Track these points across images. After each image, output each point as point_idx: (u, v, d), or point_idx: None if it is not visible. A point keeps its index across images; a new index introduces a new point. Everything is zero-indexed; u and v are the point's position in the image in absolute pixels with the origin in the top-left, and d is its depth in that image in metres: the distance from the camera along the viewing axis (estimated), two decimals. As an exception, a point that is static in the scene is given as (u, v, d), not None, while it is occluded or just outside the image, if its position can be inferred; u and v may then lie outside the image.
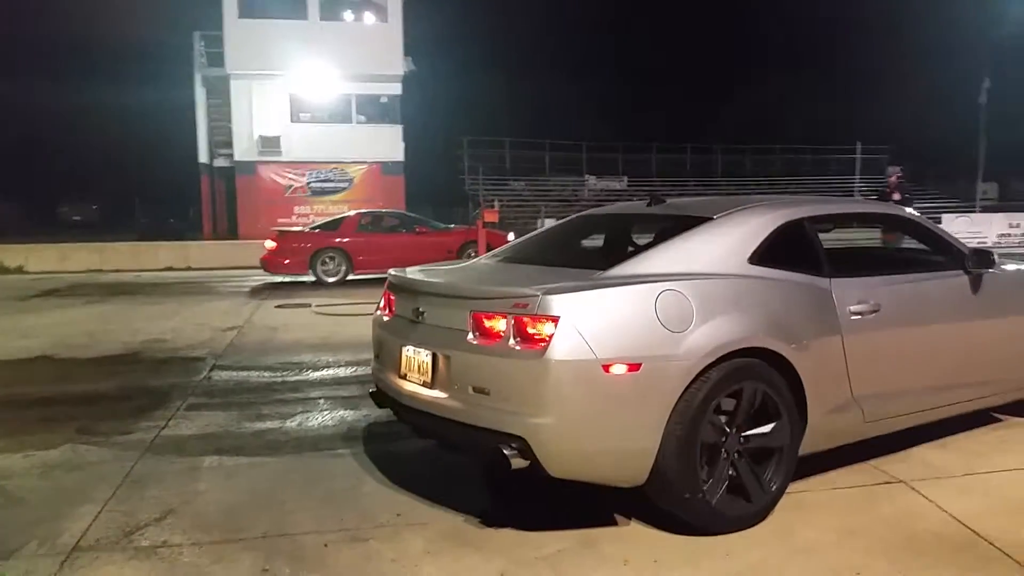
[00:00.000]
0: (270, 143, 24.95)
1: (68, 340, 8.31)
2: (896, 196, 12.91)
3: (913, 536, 3.21)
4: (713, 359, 3.22)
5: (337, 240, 14.25)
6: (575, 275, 3.48)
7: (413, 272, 4.08)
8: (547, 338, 3.08)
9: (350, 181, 26.07)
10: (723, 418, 3.31)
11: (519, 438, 3.12)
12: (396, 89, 26.16)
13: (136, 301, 12.02)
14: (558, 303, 3.11)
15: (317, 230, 14.86)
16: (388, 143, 26.02)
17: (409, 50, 26.33)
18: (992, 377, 4.41)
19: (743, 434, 3.36)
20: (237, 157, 25.35)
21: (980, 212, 26.26)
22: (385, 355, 3.99)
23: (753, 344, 3.34)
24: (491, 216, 11.46)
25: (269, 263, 14.15)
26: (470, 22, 42.87)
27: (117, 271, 18.04)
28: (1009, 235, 22.84)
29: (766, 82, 47.19)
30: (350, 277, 14.33)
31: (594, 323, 3.12)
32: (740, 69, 50.56)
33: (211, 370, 6.70)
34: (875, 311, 3.81)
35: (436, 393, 3.49)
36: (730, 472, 3.33)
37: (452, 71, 33.94)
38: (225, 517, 3.54)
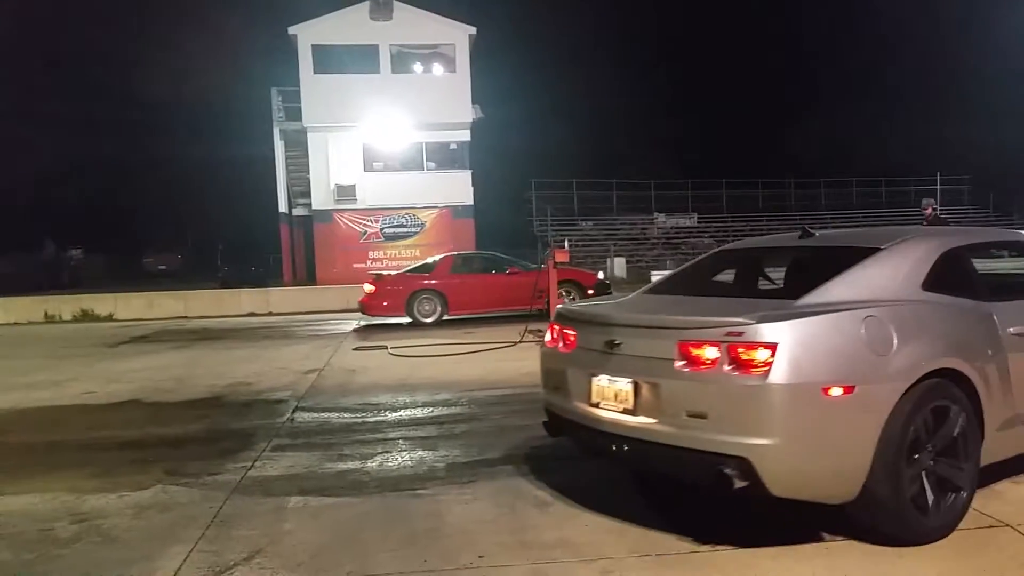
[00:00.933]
0: (345, 191, 25.70)
1: (156, 384, 8.63)
2: None
3: None
4: (914, 379, 3.42)
5: (432, 282, 14.52)
6: (767, 304, 3.65)
7: (598, 307, 4.39)
8: (766, 363, 3.25)
9: (421, 225, 26.57)
10: (920, 435, 3.47)
11: (741, 459, 3.26)
12: (465, 136, 26.69)
13: (220, 346, 12.41)
14: (774, 331, 3.28)
15: (412, 273, 15.15)
16: (458, 188, 26.49)
17: (476, 98, 26.90)
18: None
19: (924, 451, 3.49)
20: (315, 206, 26.18)
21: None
22: (568, 385, 4.12)
23: (943, 365, 3.55)
24: (562, 256, 11.44)
25: (368, 306, 14.39)
26: (535, 67, 43.63)
27: (201, 317, 18.70)
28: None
29: (838, 114, 46.31)
30: (445, 317, 14.58)
31: (809, 349, 3.30)
32: (811, 101, 49.81)
33: (294, 412, 6.85)
34: None
35: (642, 419, 3.63)
36: (922, 489, 3.47)
37: (519, 116, 34.51)
38: (311, 557, 3.58)
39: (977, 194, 37.67)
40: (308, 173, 26.25)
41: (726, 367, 3.34)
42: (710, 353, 3.40)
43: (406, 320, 14.57)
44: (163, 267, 46.26)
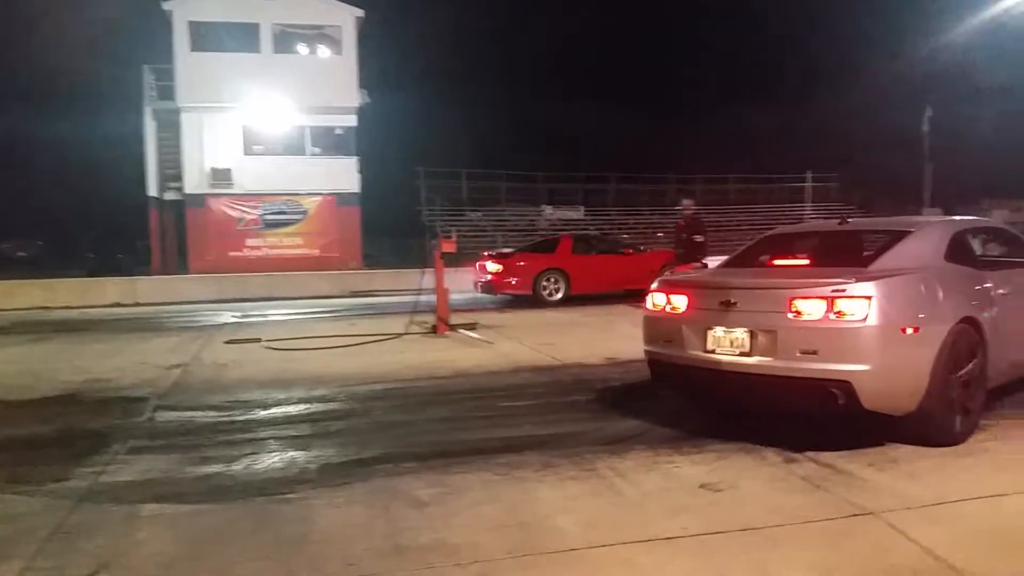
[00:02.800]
0: (222, 175, 24.56)
1: (9, 380, 7.91)
2: (698, 237, 12.11)
3: (889, 572, 3.10)
4: (955, 323, 4.74)
5: (556, 262, 15.23)
6: (850, 271, 4.80)
7: (715, 274, 5.93)
8: (863, 312, 4.45)
9: (304, 213, 25.74)
10: (956, 363, 4.75)
11: (845, 382, 4.45)
12: (351, 121, 26.03)
13: (81, 339, 11.56)
14: (870, 288, 4.51)
15: (532, 252, 15.83)
16: (343, 174, 25.82)
17: (365, 83, 26.27)
18: None
19: (960, 372, 4.79)
20: (188, 190, 24.90)
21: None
22: (683, 338, 5.18)
23: (968, 313, 4.90)
24: (449, 247, 11.26)
25: (496, 284, 15.04)
26: (425, 53, 43.05)
27: (65, 308, 17.42)
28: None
29: (717, 114, 48.09)
30: (569, 295, 15.08)
31: (892, 300, 4.54)
32: (692, 101, 51.51)
33: (154, 410, 6.40)
34: (1010, 293, 5.39)
35: (758, 359, 4.77)
36: (957, 402, 4.76)
37: (408, 102, 33.95)
38: (163, 570, 3.29)
39: (844, 191, 39.89)
40: (181, 155, 24.92)
41: (831, 315, 4.52)
42: (819, 306, 4.56)
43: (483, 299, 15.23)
44: (22, 254, 42.98)
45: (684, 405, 5.96)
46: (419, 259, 17.70)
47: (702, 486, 4.16)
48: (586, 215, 34.68)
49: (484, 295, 16.00)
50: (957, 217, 6.22)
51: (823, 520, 3.64)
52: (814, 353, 4.55)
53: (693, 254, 11.86)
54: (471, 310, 13.60)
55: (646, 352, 5.69)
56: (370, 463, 4.77)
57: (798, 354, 4.60)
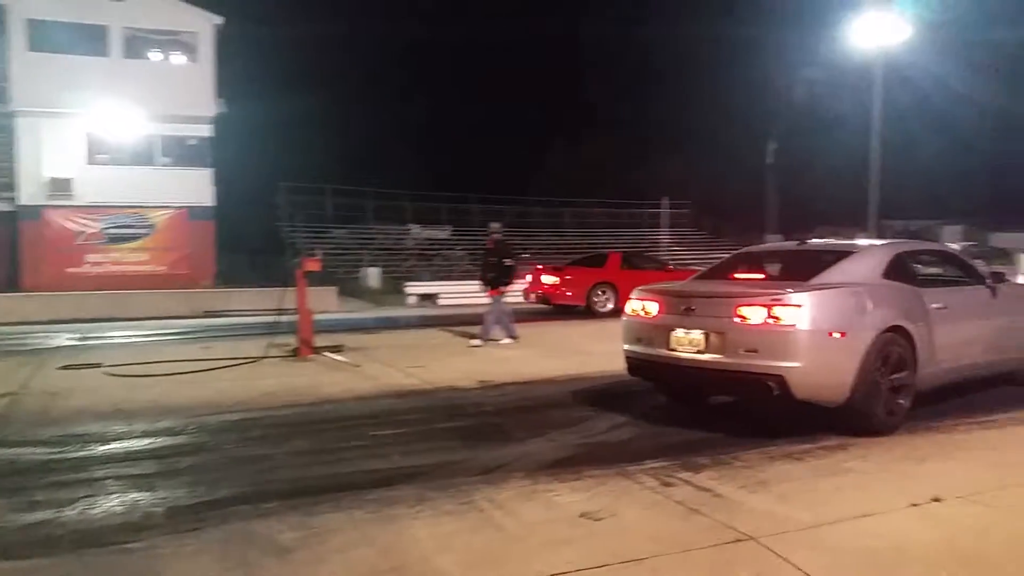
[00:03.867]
0: (61, 186, 22.72)
1: None
2: (507, 261, 11.52)
3: (773, 602, 3.07)
4: (880, 331, 5.60)
5: (606, 276, 16.36)
6: (789, 284, 5.77)
7: (677, 286, 6.78)
8: (794, 318, 5.35)
9: (151, 227, 24.20)
10: (884, 365, 5.60)
11: (778, 376, 5.36)
12: (206, 131, 24.81)
13: None
14: (801, 298, 5.42)
15: (583, 266, 16.88)
16: (196, 187, 24.50)
17: (223, 92, 25.09)
18: (1004, 352, 6.91)
19: (887, 373, 5.64)
20: (22, 201, 22.89)
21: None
22: (652, 338, 6.17)
23: (896, 323, 5.74)
24: (313, 265, 10.76)
25: (552, 295, 16.25)
26: (289, 65, 41.71)
27: None
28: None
29: (581, 142, 49.38)
30: (611, 307, 15.80)
31: (821, 309, 5.44)
32: (556, 129, 52.66)
33: (-29, 449, 5.63)
34: (945, 307, 6.21)
35: (711, 356, 5.70)
36: (883, 397, 5.61)
37: (271, 113, 32.65)
38: (-30, 647, 2.79)
39: (697, 218, 41.91)
40: (15, 163, 22.85)
41: (769, 320, 5.43)
42: (760, 312, 5.49)
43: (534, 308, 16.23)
44: None
45: (559, 429, 5.86)
46: (280, 278, 16.95)
47: (583, 515, 4.03)
48: (452, 235, 34.60)
49: (539, 304, 17.26)
50: (903, 240, 7.52)
51: (704, 548, 3.59)
52: (755, 351, 5.49)
53: (501, 278, 11.50)
54: (335, 331, 13.08)
55: (624, 350, 6.58)
56: (224, 504, 4.34)
57: (742, 352, 5.55)
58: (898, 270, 6.21)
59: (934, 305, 6.12)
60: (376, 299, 22.71)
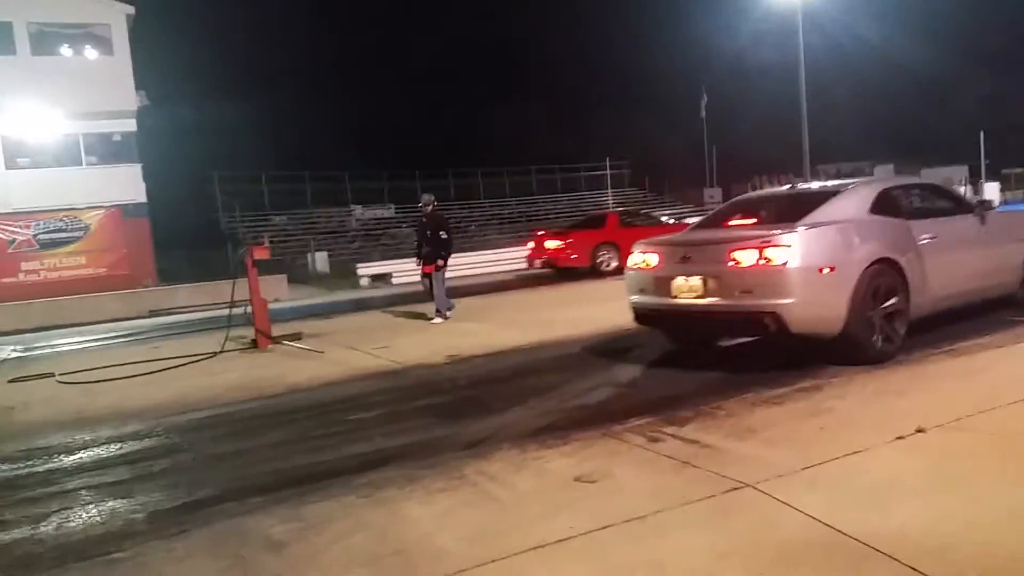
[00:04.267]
0: (-19, 194, 21.69)
1: None
2: (443, 233, 10.97)
3: (782, 546, 3.08)
4: (868, 264, 5.90)
5: (609, 236, 16.70)
6: (781, 226, 6.00)
7: (675, 237, 7.29)
8: (784, 257, 5.63)
9: (85, 229, 23.32)
10: (875, 296, 5.92)
11: (774, 314, 5.67)
12: (130, 125, 23.92)
13: None
14: (790, 238, 5.72)
15: (583, 229, 17.33)
16: (126, 184, 23.66)
17: (143, 84, 24.18)
18: (994, 277, 7.25)
19: (880, 303, 5.95)
20: (-55, 211, 21.79)
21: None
22: (655, 288, 6.50)
23: (884, 255, 6.03)
24: (261, 253, 10.48)
25: (558, 259, 16.70)
26: (214, 52, 40.41)
27: None
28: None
29: (516, 109, 49.12)
30: (615, 266, 16.08)
31: (809, 247, 5.73)
32: (491, 97, 52.25)
33: (-75, 474, 5.34)
34: (935, 238, 6.52)
35: (710, 300, 6.00)
36: (877, 327, 5.92)
37: (197, 104, 31.63)
38: None
39: (636, 177, 42.19)
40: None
41: (761, 261, 5.72)
42: (752, 255, 5.78)
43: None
44: None
45: (537, 396, 5.84)
46: (223, 270, 16.53)
47: (577, 479, 4.01)
48: (397, 212, 34.20)
49: (541, 269, 17.89)
50: (890, 176, 8.09)
51: (703, 499, 3.59)
52: (750, 292, 5.81)
53: (438, 251, 10.95)
54: (290, 320, 12.84)
55: (631, 301, 6.92)
56: (208, 504, 4.20)
57: (739, 293, 5.86)
58: (885, 205, 6.51)
59: (923, 236, 6.43)
60: (327, 284, 22.34)
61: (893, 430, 4.25)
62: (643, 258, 6.72)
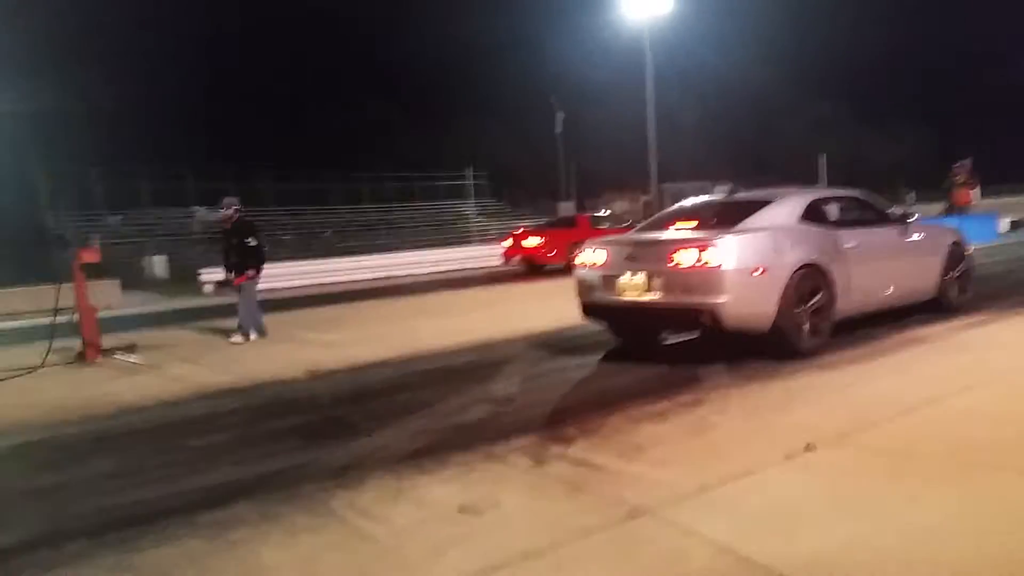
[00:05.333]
0: None
1: None
2: (251, 240, 9.65)
3: (696, 582, 2.82)
4: (797, 267, 6.38)
5: (582, 234, 16.37)
6: (719, 230, 6.46)
7: (621, 237, 7.96)
8: (720, 259, 6.09)
9: None
10: (802, 297, 6.42)
11: (710, 310, 6.12)
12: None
13: None
14: (725, 241, 6.20)
15: (556, 228, 18.25)
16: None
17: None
18: (912, 284, 7.80)
19: (806, 303, 6.46)
20: None
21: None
22: (602, 285, 6.86)
23: (811, 260, 6.53)
24: (90, 256, 9.33)
25: (536, 256, 17.38)
26: (34, 37, 36.80)
27: None
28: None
29: (374, 114, 48.18)
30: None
31: (744, 250, 6.23)
32: (349, 100, 50.93)
33: None
34: (857, 245, 7.05)
35: (653, 296, 6.43)
36: (804, 324, 6.44)
37: (21, 89, 28.58)
38: None
39: (495, 188, 42.25)
40: None
41: (699, 262, 6.15)
42: (692, 255, 6.21)
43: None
44: None
45: (409, 415, 5.38)
46: (48, 274, 14.84)
47: (461, 510, 3.61)
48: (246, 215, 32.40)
49: (515, 267, 18.79)
50: (817, 188, 8.52)
51: (603, 529, 3.29)
52: (689, 290, 6.25)
53: (247, 261, 9.64)
54: (124, 330, 11.60)
55: (579, 297, 7.26)
56: (16, 553, 3.47)
57: (679, 291, 6.31)
58: (813, 214, 7.02)
59: (848, 244, 6.96)
60: (166, 290, 20.70)
61: (781, 448, 4.13)
62: (592, 256, 7.08)
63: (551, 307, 11.19)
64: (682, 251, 6.29)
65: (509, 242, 19.20)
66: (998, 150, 42.04)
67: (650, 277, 6.45)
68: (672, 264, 6.31)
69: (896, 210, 8.27)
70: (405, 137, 46.93)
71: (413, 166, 40.13)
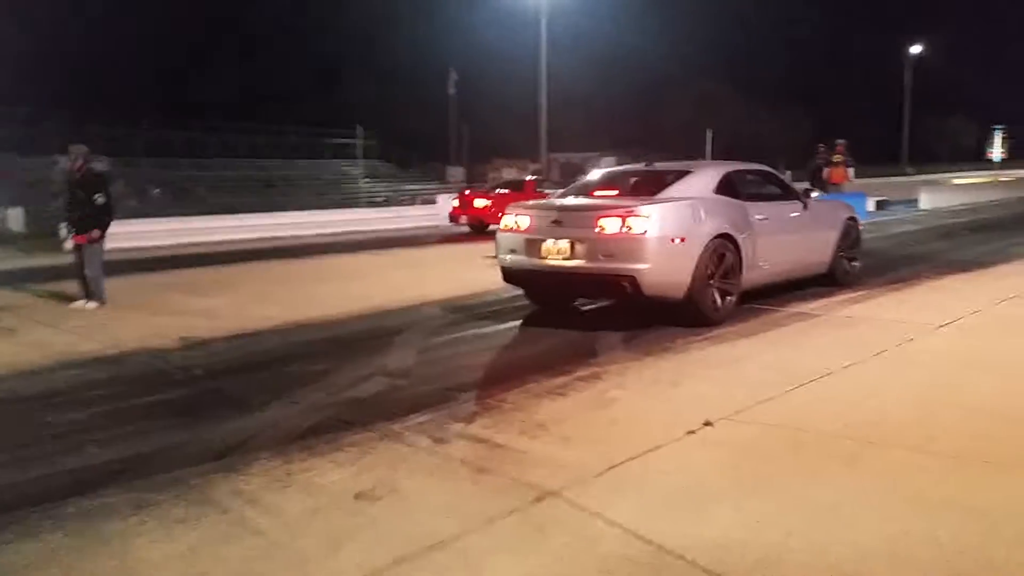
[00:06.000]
0: None
1: None
2: (99, 198, 8.48)
3: (606, 566, 2.71)
4: (712, 237, 6.57)
5: (529, 199, 16.71)
6: (640, 199, 6.71)
7: (546, 202, 8.03)
8: (643, 227, 6.27)
9: None
10: (714, 266, 6.58)
11: (631, 277, 6.27)
12: None
13: None
14: (649, 210, 6.36)
15: (506, 192, 18.31)
16: None
17: None
18: (811, 258, 8.20)
19: (717, 273, 6.61)
20: None
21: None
22: (525, 249, 6.89)
23: (724, 231, 6.72)
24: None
25: (485, 217, 17.68)
26: None
27: None
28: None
29: (258, 67, 45.96)
30: None
31: (664, 219, 6.37)
32: (231, 49, 48.27)
33: None
34: (767, 219, 7.37)
35: (576, 262, 6.51)
36: (715, 293, 6.61)
37: None
38: None
39: (385, 149, 41.18)
40: None
41: (623, 229, 6.30)
42: (616, 223, 6.35)
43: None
44: None
45: (299, 389, 5.07)
46: None
47: (358, 496, 3.39)
48: (113, 167, 30.29)
49: (467, 227, 18.92)
50: (732, 162, 8.41)
51: (510, 514, 3.15)
52: (612, 256, 6.35)
53: (93, 219, 8.59)
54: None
55: (499, 260, 7.29)
56: None
57: (602, 257, 6.40)
58: (727, 186, 7.22)
59: (757, 216, 7.22)
60: (24, 246, 19.05)
61: (682, 423, 4.14)
62: (515, 220, 7.08)
63: (455, 274, 10.98)
64: (607, 218, 6.39)
65: (456, 203, 19.83)
66: (862, 133, 44.76)
67: (574, 243, 6.51)
68: (597, 230, 6.39)
69: (799, 186, 8.60)
70: (294, 94, 45.10)
71: (301, 123, 38.59)
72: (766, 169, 8.53)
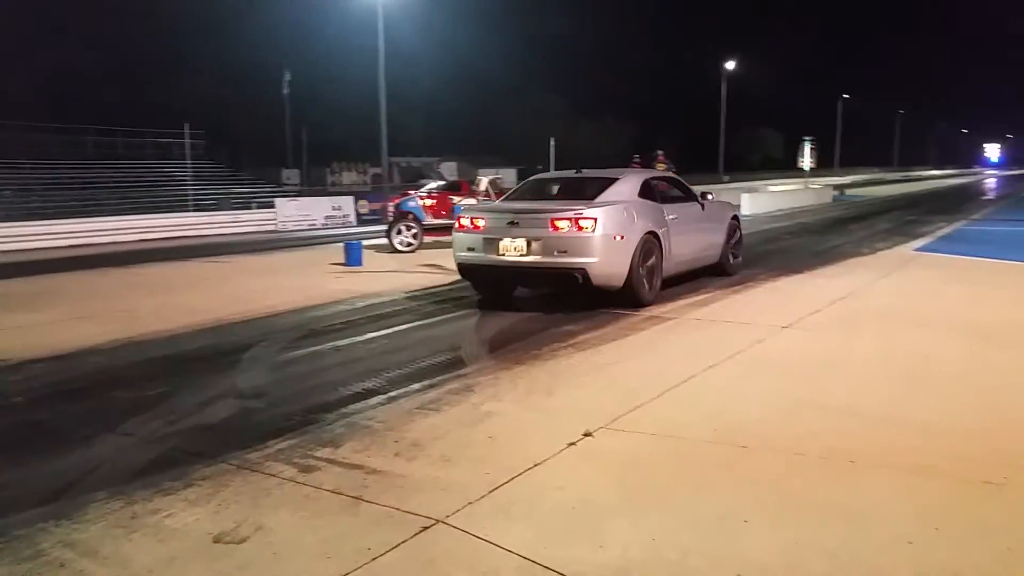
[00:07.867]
0: None
1: None
2: None
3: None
4: (643, 234, 7.82)
5: (467, 197, 16.95)
6: (583, 203, 7.76)
7: (501, 205, 9.02)
8: (592, 227, 7.41)
9: None
10: (644, 259, 7.85)
11: (582, 269, 7.41)
12: None
13: None
14: (597, 212, 7.51)
15: (445, 192, 17.99)
16: None
17: None
18: (709, 251, 9.56)
19: (646, 264, 7.88)
20: None
21: (308, 197, 27.55)
22: (483, 247, 7.90)
23: (651, 229, 7.99)
24: None
25: (433, 211, 17.04)
26: None
27: None
28: (334, 216, 24.45)
29: (65, 60, 42.10)
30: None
31: (609, 220, 7.52)
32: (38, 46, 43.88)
33: None
34: (676, 218, 8.58)
35: (532, 258, 7.60)
36: (645, 281, 7.85)
37: None
38: None
39: (214, 149, 38.90)
40: None
41: (575, 229, 7.41)
42: (568, 223, 7.44)
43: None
44: None
45: (134, 416, 4.50)
46: None
47: (217, 539, 3.00)
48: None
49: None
50: (649, 170, 10.38)
51: (393, 548, 2.88)
52: (565, 252, 7.42)
53: None
54: None
55: (457, 257, 8.18)
56: None
57: (556, 253, 7.46)
58: (647, 191, 8.45)
59: (670, 216, 8.47)
60: None
61: (561, 435, 4.02)
62: (471, 221, 8.00)
63: (302, 282, 10.42)
64: (560, 219, 7.44)
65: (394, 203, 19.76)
66: (685, 142, 47.42)
67: (530, 241, 7.53)
68: (552, 230, 7.43)
69: (697, 189, 9.94)
70: (110, 91, 41.66)
71: (121, 123, 35.67)
72: (674, 177, 10.14)
